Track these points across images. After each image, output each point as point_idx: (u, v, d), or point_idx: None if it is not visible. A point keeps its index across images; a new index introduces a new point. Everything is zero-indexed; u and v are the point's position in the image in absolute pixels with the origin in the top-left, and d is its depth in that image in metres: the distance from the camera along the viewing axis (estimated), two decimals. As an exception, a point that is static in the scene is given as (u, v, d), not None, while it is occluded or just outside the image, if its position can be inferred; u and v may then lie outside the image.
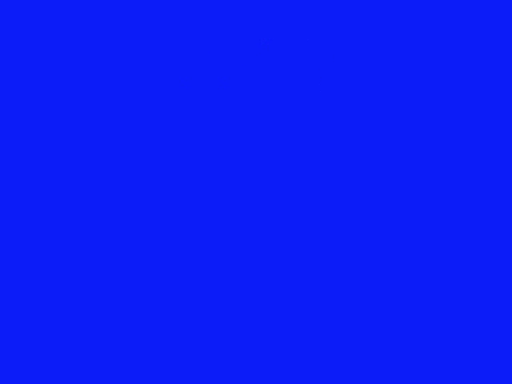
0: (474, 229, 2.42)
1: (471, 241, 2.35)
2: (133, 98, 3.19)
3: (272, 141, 2.95)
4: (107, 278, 2.23)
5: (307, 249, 2.46)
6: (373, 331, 2.01)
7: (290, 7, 2.96)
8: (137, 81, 3.14)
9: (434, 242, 2.35)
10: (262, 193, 2.67)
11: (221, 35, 3.00)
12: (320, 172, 2.77)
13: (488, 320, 2.00)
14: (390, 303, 2.10)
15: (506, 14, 2.87)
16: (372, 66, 3.16)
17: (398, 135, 2.99)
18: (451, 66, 3.07)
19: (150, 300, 2.21)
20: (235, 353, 2.07)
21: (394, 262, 2.26)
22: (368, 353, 1.95)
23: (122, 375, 1.91)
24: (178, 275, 2.33)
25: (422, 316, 2.03)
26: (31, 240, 2.40)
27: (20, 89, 3.12)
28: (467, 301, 2.09)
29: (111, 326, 2.07)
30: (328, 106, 3.10)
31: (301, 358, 2.05)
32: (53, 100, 3.17)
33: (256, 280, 2.37)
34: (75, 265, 2.29)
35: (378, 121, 3.10)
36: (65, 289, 2.19)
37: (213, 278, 2.33)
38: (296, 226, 2.54)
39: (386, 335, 1.98)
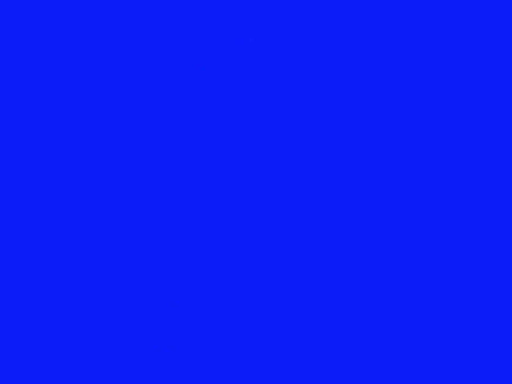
0: (474, 229, 2.41)
1: (471, 241, 2.35)
2: (131, 97, 3.19)
3: (269, 140, 2.94)
4: (107, 279, 2.23)
5: (306, 249, 2.45)
6: (373, 331, 2.01)
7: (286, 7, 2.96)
8: (134, 79, 3.14)
9: (434, 243, 2.34)
10: (259, 193, 2.67)
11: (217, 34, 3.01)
12: (319, 172, 2.77)
13: (488, 320, 2.00)
14: (390, 303, 2.09)
15: (506, 14, 2.87)
16: (370, 66, 3.16)
17: (398, 135, 2.99)
18: (451, 67, 3.07)
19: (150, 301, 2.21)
20: (235, 353, 2.07)
21: (394, 262, 2.26)
22: (368, 353, 1.94)
23: (122, 375, 1.91)
24: (177, 274, 2.33)
25: (423, 316, 2.03)
26: (31, 240, 2.40)
27: (20, 89, 3.12)
28: (467, 301, 2.08)
29: (111, 326, 2.07)
30: (326, 106, 3.10)
31: (300, 358, 2.04)
32: (52, 100, 3.17)
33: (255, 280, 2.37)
34: (75, 265, 2.29)
35: (377, 120, 3.09)
36: (64, 289, 2.19)
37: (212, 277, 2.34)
38: (295, 227, 2.54)
39: (386, 335, 1.98)
